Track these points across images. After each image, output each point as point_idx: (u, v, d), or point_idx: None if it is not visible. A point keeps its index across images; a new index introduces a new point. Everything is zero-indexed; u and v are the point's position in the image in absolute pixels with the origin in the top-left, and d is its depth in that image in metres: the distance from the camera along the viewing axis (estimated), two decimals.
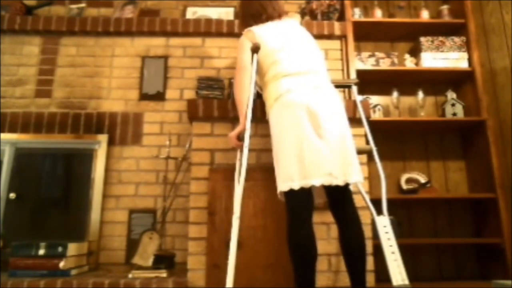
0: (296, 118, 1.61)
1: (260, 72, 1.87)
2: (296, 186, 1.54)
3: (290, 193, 1.57)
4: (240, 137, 1.73)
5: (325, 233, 2.00)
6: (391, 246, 1.58)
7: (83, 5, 2.89)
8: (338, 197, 1.68)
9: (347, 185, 1.62)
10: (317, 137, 1.59)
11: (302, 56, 1.82)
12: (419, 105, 2.73)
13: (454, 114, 2.65)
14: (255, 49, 1.85)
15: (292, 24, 1.97)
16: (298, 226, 1.56)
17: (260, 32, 1.90)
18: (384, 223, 1.64)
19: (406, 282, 1.52)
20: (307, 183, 1.54)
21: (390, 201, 1.77)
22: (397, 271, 1.52)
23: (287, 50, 1.82)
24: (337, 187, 1.60)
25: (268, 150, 2.06)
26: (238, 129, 1.76)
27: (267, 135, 2.05)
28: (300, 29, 1.97)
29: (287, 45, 1.84)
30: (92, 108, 2.65)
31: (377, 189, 2.07)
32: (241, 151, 1.69)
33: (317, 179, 1.54)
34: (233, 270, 1.42)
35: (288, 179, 1.57)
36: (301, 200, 1.59)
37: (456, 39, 2.75)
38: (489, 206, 2.47)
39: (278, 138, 1.67)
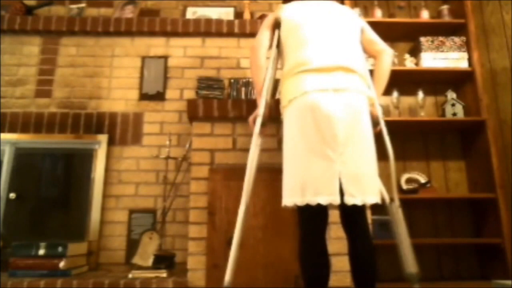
0: (308, 127, 1.45)
1: (281, 50, 1.72)
2: (300, 203, 1.42)
3: (302, 207, 1.44)
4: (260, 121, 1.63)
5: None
6: (399, 234, 1.56)
7: (83, 5, 2.89)
8: (352, 215, 1.53)
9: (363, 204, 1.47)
10: (330, 150, 1.42)
11: (332, 46, 1.59)
12: (419, 105, 2.73)
13: (454, 114, 2.64)
14: (275, 24, 1.73)
15: (332, 5, 1.74)
16: (310, 243, 1.45)
17: (290, 6, 1.74)
18: (393, 211, 1.59)
19: (415, 270, 1.52)
20: (312, 200, 1.40)
21: None
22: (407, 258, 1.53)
23: (316, 35, 1.61)
24: (351, 205, 1.44)
25: (268, 150, 2.06)
26: (254, 113, 1.67)
27: (268, 135, 2.05)
28: (340, 12, 1.72)
29: (317, 28, 1.63)
30: (92, 108, 2.65)
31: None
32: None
33: (324, 197, 1.40)
34: (234, 264, 1.42)
35: (293, 193, 1.45)
36: (313, 215, 1.46)
37: (456, 39, 2.75)
38: (489, 206, 2.47)
39: (288, 146, 1.52)
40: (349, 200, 1.41)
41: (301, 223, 1.49)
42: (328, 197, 1.40)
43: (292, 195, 1.45)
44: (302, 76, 1.53)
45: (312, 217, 1.46)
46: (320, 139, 1.43)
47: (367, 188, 1.45)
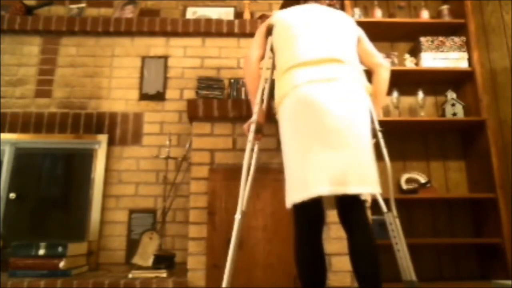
0: (301, 120, 1.42)
1: (275, 54, 1.70)
2: (303, 198, 1.35)
3: (297, 205, 1.39)
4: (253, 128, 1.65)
5: (325, 233, 2.00)
6: (396, 243, 1.57)
7: (83, 5, 2.89)
8: (350, 211, 1.46)
9: (359, 195, 1.42)
10: (326, 141, 1.38)
11: (323, 41, 1.55)
12: (419, 105, 2.73)
13: (454, 114, 2.64)
14: (268, 31, 1.73)
15: (328, 10, 1.70)
16: (305, 243, 1.42)
17: (282, 12, 1.73)
18: (390, 220, 1.60)
19: (414, 278, 1.52)
20: (314, 192, 1.33)
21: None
22: (405, 266, 1.53)
23: (307, 32, 1.58)
24: (348, 198, 1.39)
25: (267, 150, 2.06)
26: (249, 121, 1.68)
27: (267, 135, 2.05)
28: (335, 16, 1.68)
29: (308, 26, 1.60)
30: (92, 108, 2.65)
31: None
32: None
33: (327, 188, 1.33)
34: (232, 269, 1.42)
35: (297, 190, 1.38)
36: (308, 214, 1.42)
37: (456, 39, 2.75)
38: (489, 206, 2.47)
39: (285, 143, 1.48)
40: (352, 190, 1.34)
41: (297, 224, 1.45)
42: (331, 187, 1.33)
43: (297, 192, 1.38)
44: (292, 71, 1.50)
45: (309, 217, 1.43)
46: (315, 131, 1.39)
47: (367, 178, 1.39)
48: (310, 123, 1.40)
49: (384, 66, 1.73)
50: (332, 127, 1.38)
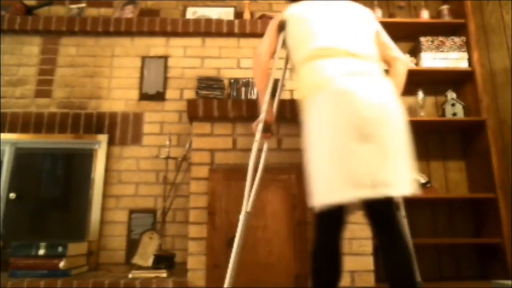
0: (341, 114, 1.33)
1: (291, 48, 1.63)
2: (329, 200, 1.30)
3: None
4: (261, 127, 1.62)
5: None
6: None
7: (83, 5, 2.89)
8: (378, 208, 1.37)
9: (391, 198, 1.34)
10: (365, 135, 1.31)
11: (346, 35, 1.51)
12: (419, 105, 2.73)
13: (454, 114, 2.64)
14: (281, 26, 1.68)
15: (344, 4, 1.65)
16: (323, 245, 1.41)
17: (294, 7, 1.67)
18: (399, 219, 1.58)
19: (418, 278, 1.51)
20: (354, 195, 1.28)
21: None
22: None
23: (326, 23, 1.54)
24: (381, 201, 1.31)
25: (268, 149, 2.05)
26: (257, 120, 1.63)
27: None
28: (352, 10, 1.64)
29: (327, 17, 1.56)
30: (92, 108, 2.65)
31: None
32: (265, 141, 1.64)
33: (367, 190, 1.27)
34: (235, 268, 1.42)
35: (325, 189, 1.32)
36: (332, 215, 1.39)
37: (456, 39, 2.75)
38: (489, 206, 2.47)
39: (315, 135, 1.40)
40: (386, 192, 1.28)
41: (319, 224, 1.43)
42: (371, 190, 1.27)
43: (328, 193, 1.32)
44: (316, 62, 1.45)
45: (331, 218, 1.41)
46: (354, 125, 1.31)
47: (401, 177, 1.33)
48: (350, 116, 1.32)
49: (401, 60, 1.67)
50: (372, 121, 1.32)
